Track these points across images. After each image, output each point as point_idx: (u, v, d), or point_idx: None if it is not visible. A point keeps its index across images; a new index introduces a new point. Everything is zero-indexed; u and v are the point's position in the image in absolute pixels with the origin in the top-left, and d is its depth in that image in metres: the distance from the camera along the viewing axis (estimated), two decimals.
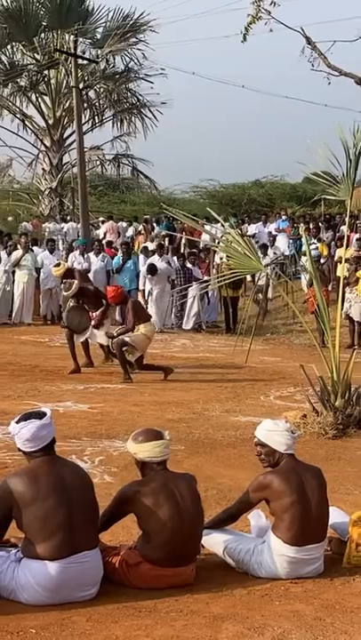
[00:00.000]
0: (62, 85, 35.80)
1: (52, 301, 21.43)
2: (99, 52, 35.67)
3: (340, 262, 20.52)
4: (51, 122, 35.89)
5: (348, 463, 8.67)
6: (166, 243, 25.17)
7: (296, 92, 61.35)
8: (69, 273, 14.23)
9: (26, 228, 28.69)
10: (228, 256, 11.33)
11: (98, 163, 38.49)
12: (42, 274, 21.37)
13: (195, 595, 5.14)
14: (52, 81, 36.00)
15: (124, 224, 31.22)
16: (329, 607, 5.00)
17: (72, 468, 5.29)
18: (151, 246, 23.76)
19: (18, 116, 36.16)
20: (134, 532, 5.54)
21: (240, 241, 10.86)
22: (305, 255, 19.79)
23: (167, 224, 29.76)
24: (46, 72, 35.77)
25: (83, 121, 31.63)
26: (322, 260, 20.52)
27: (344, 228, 24.29)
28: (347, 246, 19.39)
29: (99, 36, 36.28)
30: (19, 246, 21.44)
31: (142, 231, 28.98)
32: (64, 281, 14.90)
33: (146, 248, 23.52)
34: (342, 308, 14.65)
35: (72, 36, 32.10)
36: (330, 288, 19.52)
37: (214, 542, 5.68)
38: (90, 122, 36.48)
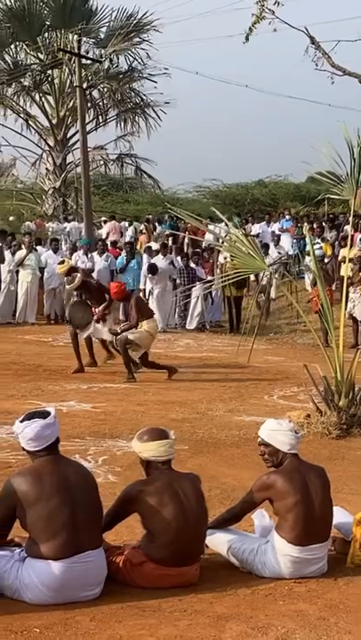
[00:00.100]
0: (66, 85, 35.82)
1: (56, 301, 21.43)
2: (102, 51, 35.68)
3: (344, 262, 20.50)
4: (54, 121, 35.91)
5: (351, 463, 8.67)
6: (170, 242, 25.16)
7: (300, 91, 61.51)
8: (73, 271, 14.24)
9: (29, 227, 28.69)
10: (232, 256, 11.33)
11: (101, 162, 38.52)
12: (45, 273, 21.38)
13: (199, 594, 5.14)
14: (56, 81, 36.01)
15: (126, 224, 31.24)
16: (333, 607, 5.00)
17: (76, 468, 5.29)
18: (155, 246, 23.77)
19: (21, 115, 36.20)
20: (138, 532, 5.53)
21: (244, 240, 10.86)
22: (309, 255, 19.78)
23: (171, 223, 29.77)
24: (50, 72, 35.78)
25: (86, 121, 31.62)
26: (326, 260, 20.50)
27: (348, 228, 24.28)
28: (351, 246, 19.33)
29: (102, 36, 36.30)
30: (22, 246, 21.46)
31: (144, 231, 28.97)
32: (66, 278, 14.90)
33: (149, 248, 23.53)
34: (346, 308, 14.63)
35: (76, 36, 32.15)
36: (334, 288, 19.50)
37: (218, 542, 5.67)
38: (93, 121, 36.49)
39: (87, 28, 34.77)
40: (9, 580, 5.00)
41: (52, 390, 12.11)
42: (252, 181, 44.73)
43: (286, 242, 25.59)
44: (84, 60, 31.72)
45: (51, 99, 36.21)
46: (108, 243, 25.64)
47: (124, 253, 22.72)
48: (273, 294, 22.77)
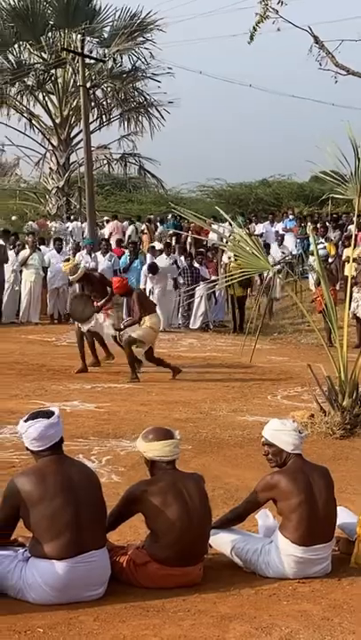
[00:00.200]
0: (69, 84, 35.81)
1: (60, 301, 21.42)
2: (106, 51, 35.66)
3: (348, 262, 20.50)
4: (58, 121, 35.90)
5: (355, 463, 8.66)
6: (173, 242, 25.17)
7: (303, 91, 61.31)
8: (78, 269, 14.27)
9: (32, 227, 28.71)
10: (235, 255, 11.33)
11: (105, 162, 38.51)
12: (49, 273, 21.38)
13: (202, 594, 5.14)
14: (60, 80, 36.00)
15: (126, 223, 31.23)
16: (337, 607, 5.00)
17: (79, 468, 5.28)
18: (158, 245, 23.78)
19: (25, 115, 36.18)
20: (142, 532, 5.53)
21: (248, 240, 10.86)
22: (313, 255, 19.76)
23: (174, 223, 29.76)
24: (53, 71, 35.75)
25: (90, 120, 31.63)
26: (330, 260, 20.49)
27: (352, 228, 24.27)
28: (355, 246, 19.36)
29: (106, 35, 36.27)
30: (26, 246, 21.47)
31: (145, 230, 28.94)
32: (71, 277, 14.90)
33: (153, 247, 23.54)
34: (350, 308, 14.62)
35: (79, 35, 32.11)
36: (337, 287, 19.49)
37: (222, 542, 5.67)
38: (97, 121, 36.48)
39: (91, 28, 34.73)
40: (12, 579, 5.00)
41: (55, 390, 12.11)
42: (256, 181, 44.72)
43: (290, 241, 25.59)
44: (87, 60, 31.64)
45: (54, 98, 36.21)
46: (113, 242, 25.65)
47: (127, 253, 22.74)
48: (277, 294, 22.77)
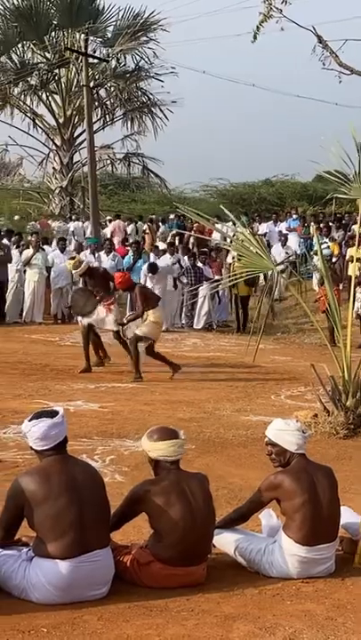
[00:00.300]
0: (73, 84, 35.86)
1: (63, 300, 21.41)
2: (109, 50, 35.69)
3: (351, 261, 20.50)
4: (61, 121, 35.93)
5: (359, 463, 8.65)
6: (176, 242, 25.16)
7: (307, 90, 61.34)
8: (81, 263, 14.31)
9: (34, 227, 28.73)
10: (239, 255, 11.33)
11: (108, 162, 38.55)
12: (52, 273, 21.38)
13: (206, 594, 5.13)
14: (63, 80, 36.04)
15: (126, 223, 31.21)
16: (340, 607, 4.99)
17: (83, 467, 5.29)
18: (162, 245, 23.78)
19: (28, 114, 36.23)
20: (145, 532, 5.53)
21: (252, 240, 10.86)
22: (316, 254, 19.75)
23: (178, 223, 29.75)
24: (57, 71, 35.81)
25: (93, 120, 31.63)
26: (333, 259, 20.49)
27: (356, 227, 24.25)
28: (358, 245, 19.33)
29: (109, 35, 36.29)
30: (30, 245, 21.48)
31: (147, 231, 28.95)
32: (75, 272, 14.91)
33: (157, 247, 23.54)
34: (353, 308, 14.61)
35: (83, 35, 32.17)
36: (341, 287, 19.49)
37: (225, 542, 5.67)
38: (100, 121, 36.51)
39: (94, 28, 34.77)
40: (16, 579, 5.00)
41: (59, 390, 12.12)
42: (259, 180, 44.71)
43: (293, 241, 25.58)
44: (91, 60, 31.72)
45: (58, 98, 36.24)
46: (116, 241, 25.64)
47: (131, 252, 22.75)
48: (278, 294, 22.73)
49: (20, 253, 21.18)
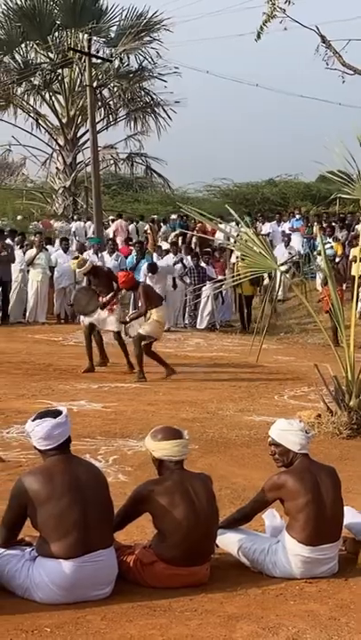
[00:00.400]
0: (76, 84, 35.88)
1: (66, 300, 21.44)
2: (113, 50, 35.71)
3: (355, 261, 20.48)
4: (64, 121, 35.95)
5: None
6: (180, 242, 25.17)
7: (310, 90, 61.42)
8: (86, 262, 14.33)
9: (37, 227, 28.74)
10: (242, 255, 11.33)
11: (111, 162, 38.60)
12: (56, 272, 21.40)
13: (209, 594, 5.13)
14: (66, 80, 36.07)
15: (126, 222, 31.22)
16: (344, 607, 4.99)
17: (87, 467, 5.29)
18: (165, 245, 23.77)
19: (32, 114, 36.27)
20: (149, 531, 5.53)
21: (255, 240, 10.86)
22: (319, 254, 19.75)
23: (181, 223, 29.75)
24: (60, 71, 35.84)
25: (96, 120, 31.66)
26: (337, 260, 20.47)
27: (359, 227, 24.26)
28: None
29: (113, 35, 36.33)
30: (33, 245, 21.50)
31: (148, 230, 28.96)
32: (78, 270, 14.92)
33: (160, 247, 23.55)
34: (357, 308, 14.61)
35: (86, 35, 32.15)
36: (344, 287, 19.47)
37: (229, 542, 5.67)
38: (104, 121, 36.55)
39: (97, 27, 34.78)
40: (20, 579, 5.00)
41: (62, 390, 12.12)
42: (263, 180, 44.67)
43: (297, 241, 25.57)
44: (94, 60, 31.72)
45: (61, 98, 36.27)
46: (119, 241, 25.63)
47: (134, 252, 22.76)
48: (281, 295, 22.74)
49: (24, 253, 21.19)
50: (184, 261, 21.77)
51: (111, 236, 27.83)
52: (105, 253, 22.46)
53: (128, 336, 13.51)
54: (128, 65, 36.53)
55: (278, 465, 5.69)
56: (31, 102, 36.25)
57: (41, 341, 17.59)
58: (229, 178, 44.16)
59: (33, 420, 5.16)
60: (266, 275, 14.84)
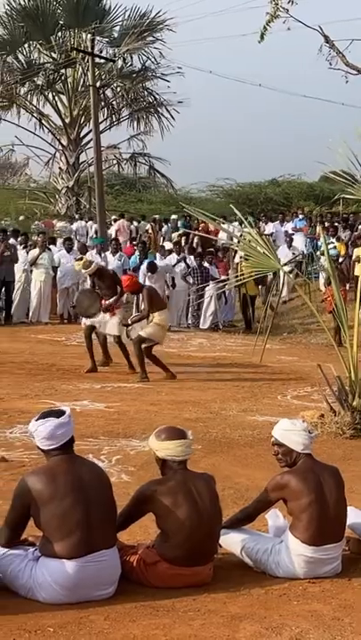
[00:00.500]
0: (79, 84, 35.89)
1: (69, 300, 21.43)
2: (116, 50, 35.72)
3: (358, 261, 20.49)
4: (67, 120, 35.96)
5: None
6: (183, 242, 25.17)
7: (313, 90, 61.34)
8: (91, 263, 14.32)
9: (39, 227, 28.74)
10: (246, 255, 11.32)
11: (114, 162, 38.57)
12: (59, 272, 21.41)
13: (212, 594, 5.13)
14: (69, 80, 36.08)
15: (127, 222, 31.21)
16: (347, 607, 4.99)
17: (90, 467, 5.29)
18: (168, 245, 23.77)
19: (35, 114, 36.25)
20: (152, 531, 5.53)
21: (259, 240, 10.86)
22: (323, 255, 19.73)
23: (184, 223, 29.76)
24: (63, 71, 35.84)
25: (99, 120, 31.67)
26: (340, 260, 20.47)
27: None
28: None
29: (116, 35, 36.32)
30: (36, 245, 21.51)
31: (149, 230, 28.94)
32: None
33: (163, 247, 23.55)
34: (360, 308, 14.57)
35: (89, 35, 32.19)
36: (348, 287, 19.46)
37: (232, 542, 5.67)
38: (107, 120, 36.53)
39: (101, 27, 34.78)
40: (23, 579, 5.00)
41: (65, 390, 12.12)
42: (266, 180, 44.67)
43: (300, 241, 25.56)
44: (97, 59, 31.71)
45: (64, 98, 36.27)
46: (121, 240, 25.64)
47: (137, 252, 22.76)
48: (284, 294, 22.72)
49: (27, 253, 21.20)
50: (187, 261, 21.77)
51: (114, 235, 27.83)
52: (108, 253, 22.46)
53: (129, 338, 13.50)
54: (131, 65, 36.56)
55: (281, 465, 5.69)
56: (34, 102, 36.28)
57: (44, 341, 17.60)
58: (232, 178, 44.22)
59: (36, 420, 5.16)
60: (270, 274, 14.82)
